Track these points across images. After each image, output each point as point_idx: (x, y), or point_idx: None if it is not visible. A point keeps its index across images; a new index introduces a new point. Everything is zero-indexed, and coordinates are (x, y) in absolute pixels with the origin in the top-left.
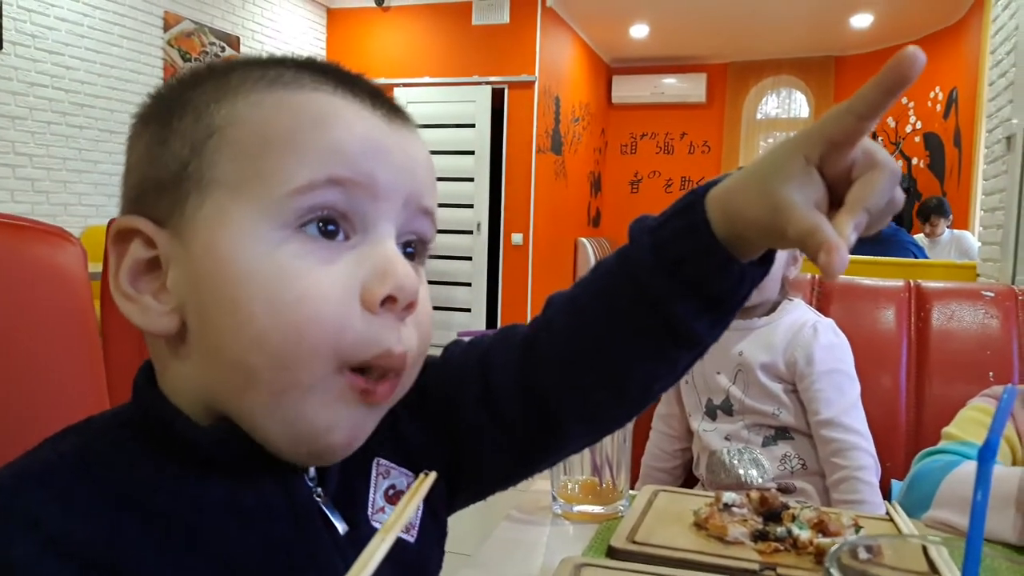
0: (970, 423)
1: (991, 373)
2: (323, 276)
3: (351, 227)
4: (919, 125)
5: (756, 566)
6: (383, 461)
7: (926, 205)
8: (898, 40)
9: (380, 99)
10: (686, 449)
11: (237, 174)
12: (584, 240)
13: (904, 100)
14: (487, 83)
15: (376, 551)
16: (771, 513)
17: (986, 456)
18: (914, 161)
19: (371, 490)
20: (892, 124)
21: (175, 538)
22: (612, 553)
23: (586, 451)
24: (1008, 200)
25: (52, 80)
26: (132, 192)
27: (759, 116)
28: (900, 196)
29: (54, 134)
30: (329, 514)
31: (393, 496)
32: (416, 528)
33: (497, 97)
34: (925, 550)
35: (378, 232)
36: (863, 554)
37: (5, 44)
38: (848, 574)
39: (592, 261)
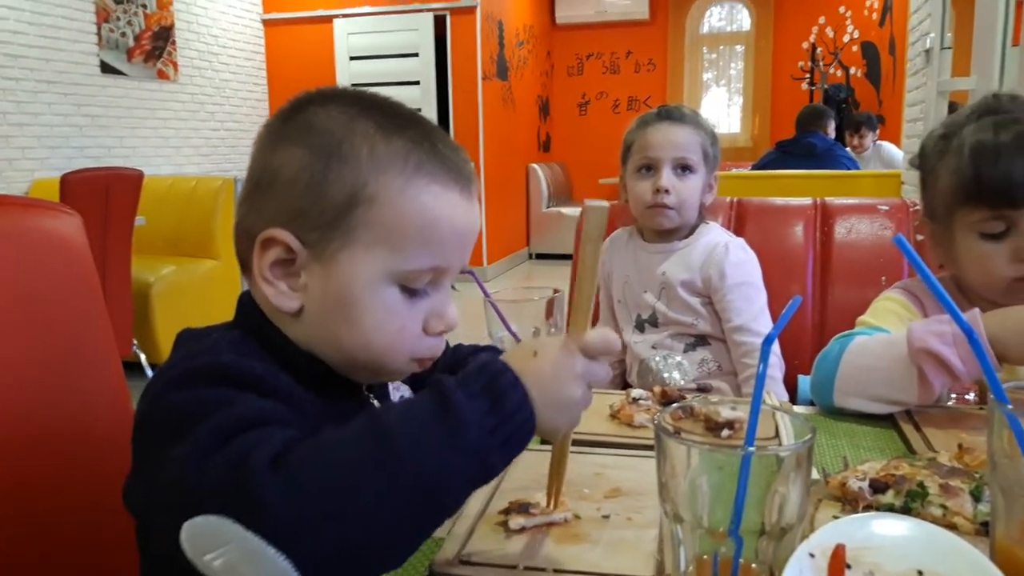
0: (883, 311)
1: (883, 277)
2: (409, 315)
3: (430, 286)
4: (856, 34)
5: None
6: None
7: (854, 119)
8: None
9: (465, 173)
10: (621, 361)
11: (375, 242)
12: (535, 166)
13: (842, 9)
14: (428, 10)
15: None
16: (670, 403)
17: (766, 343)
18: (852, 71)
19: (394, 394)
20: (831, 34)
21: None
22: (544, 440)
23: None
24: (926, 111)
25: None
26: (286, 209)
27: (704, 30)
28: None
29: None
30: (376, 402)
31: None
32: None
33: (439, 24)
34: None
35: (442, 288)
36: (726, 431)
37: None
38: (663, 431)
39: (544, 188)
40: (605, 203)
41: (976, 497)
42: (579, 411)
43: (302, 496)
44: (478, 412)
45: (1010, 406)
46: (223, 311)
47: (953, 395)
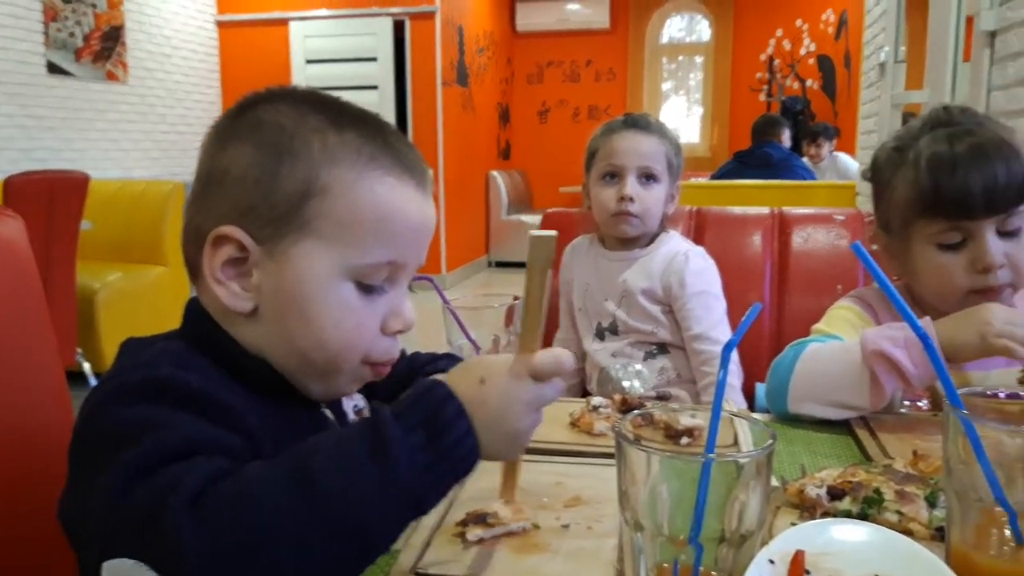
0: (837, 320)
1: (839, 286)
2: (366, 312)
3: (387, 283)
4: (812, 47)
5: (614, 450)
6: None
7: (811, 129)
8: None
9: (420, 169)
10: (581, 369)
11: (329, 235)
12: (495, 173)
13: (799, 23)
14: (387, 14)
15: None
16: (630, 410)
17: (726, 349)
18: (808, 83)
19: (347, 403)
20: (788, 47)
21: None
22: None
23: None
24: (880, 124)
25: None
26: (236, 206)
27: (663, 40)
28: None
29: None
30: (328, 411)
31: (358, 411)
32: None
33: (398, 29)
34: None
35: (399, 286)
36: (685, 440)
37: None
38: (623, 439)
39: (504, 195)
40: (552, 233)
41: (931, 503)
42: (526, 440)
43: (219, 542)
44: (414, 448)
45: (965, 411)
46: (171, 319)
47: (906, 402)
